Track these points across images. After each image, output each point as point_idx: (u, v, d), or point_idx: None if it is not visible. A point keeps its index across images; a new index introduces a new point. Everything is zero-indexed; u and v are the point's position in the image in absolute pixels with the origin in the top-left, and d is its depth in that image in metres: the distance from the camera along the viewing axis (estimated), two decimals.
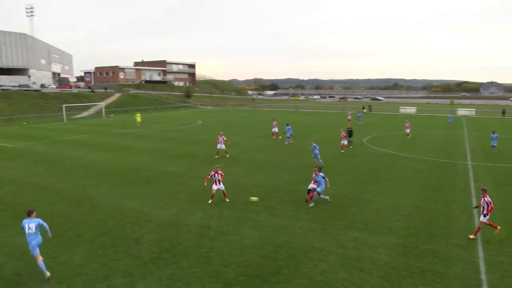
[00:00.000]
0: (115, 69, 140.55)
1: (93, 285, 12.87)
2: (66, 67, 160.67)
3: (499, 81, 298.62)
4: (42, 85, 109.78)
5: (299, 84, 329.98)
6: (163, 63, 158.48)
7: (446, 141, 42.83)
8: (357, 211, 19.44)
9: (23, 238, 16.51)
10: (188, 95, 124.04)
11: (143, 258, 14.56)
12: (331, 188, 22.77)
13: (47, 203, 21.45)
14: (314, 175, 20.26)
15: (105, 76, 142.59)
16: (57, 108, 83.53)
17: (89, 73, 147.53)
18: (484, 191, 16.22)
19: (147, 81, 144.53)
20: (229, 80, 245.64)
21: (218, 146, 33.41)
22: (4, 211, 20.38)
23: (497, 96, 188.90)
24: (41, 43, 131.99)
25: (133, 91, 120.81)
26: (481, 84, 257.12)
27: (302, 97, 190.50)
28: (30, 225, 13.23)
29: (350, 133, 38.67)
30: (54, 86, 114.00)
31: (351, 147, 36.62)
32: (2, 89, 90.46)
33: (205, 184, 21.71)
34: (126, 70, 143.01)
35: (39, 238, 13.28)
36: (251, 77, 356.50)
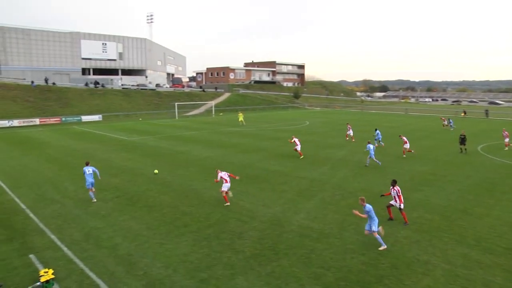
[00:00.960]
0: (226, 70, 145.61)
1: (196, 273, 13.46)
2: (180, 68, 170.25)
3: None
4: (157, 85, 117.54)
5: (409, 86, 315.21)
6: (272, 64, 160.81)
7: None
8: (467, 225, 17.85)
9: (137, 222, 17.84)
10: (296, 95, 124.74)
11: (245, 253, 14.90)
12: (438, 197, 21.43)
13: (157, 193, 22.93)
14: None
15: (216, 77, 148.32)
16: (170, 106, 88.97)
17: (201, 73, 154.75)
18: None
19: (256, 81, 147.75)
20: (337, 81, 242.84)
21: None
22: (121, 197, 22.17)
23: None
24: (158, 47, 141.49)
25: (242, 91, 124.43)
26: None
27: (412, 100, 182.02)
28: (88, 169, 21.72)
29: (462, 140, 36.33)
30: (168, 86, 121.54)
31: (464, 151, 35.52)
32: (123, 88, 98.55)
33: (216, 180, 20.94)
34: (236, 71, 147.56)
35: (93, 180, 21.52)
36: (360, 78, 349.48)
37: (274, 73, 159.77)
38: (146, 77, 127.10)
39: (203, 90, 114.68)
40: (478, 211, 19.62)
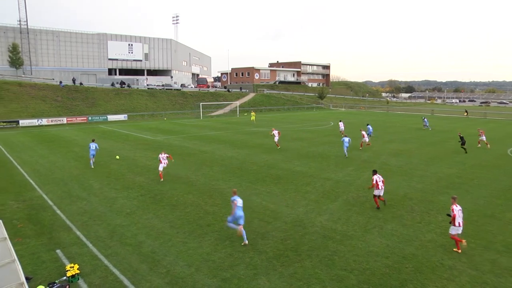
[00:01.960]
0: (251, 70, 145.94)
1: (218, 272, 13.54)
2: (205, 68, 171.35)
3: None
4: (182, 85, 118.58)
5: (436, 86, 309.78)
6: (297, 64, 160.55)
7: None
8: (496, 230, 17.36)
9: (161, 221, 18.06)
10: (321, 96, 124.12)
11: (268, 254, 14.91)
12: (465, 201, 21.05)
13: (181, 192, 23.15)
14: None
15: (241, 77, 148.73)
16: (194, 106, 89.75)
17: (226, 73, 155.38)
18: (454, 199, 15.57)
19: (281, 82, 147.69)
20: (363, 82, 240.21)
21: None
22: (145, 195, 22.47)
23: None
24: (183, 47, 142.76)
25: (267, 91, 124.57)
26: None
27: (439, 101, 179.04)
28: (92, 145, 30.79)
29: (462, 141, 37.50)
30: (193, 86, 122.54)
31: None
32: (148, 88, 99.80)
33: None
34: (261, 71, 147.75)
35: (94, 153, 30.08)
36: (385, 79, 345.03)
37: (299, 73, 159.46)
38: (172, 77, 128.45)
39: (228, 90, 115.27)
40: (508, 216, 19.13)
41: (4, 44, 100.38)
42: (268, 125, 62.15)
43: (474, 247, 15.66)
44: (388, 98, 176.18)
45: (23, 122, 64.74)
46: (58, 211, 19.87)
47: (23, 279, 9.27)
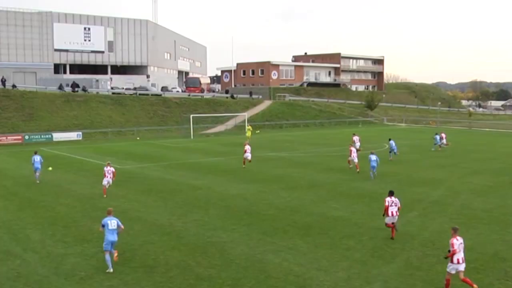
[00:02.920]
0: (266, 66, 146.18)
1: None
2: (198, 64, 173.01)
3: None
4: (164, 88, 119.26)
5: None
6: (335, 57, 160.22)
7: None
8: None
9: None
10: (371, 105, 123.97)
11: None
12: None
13: (161, 247, 23.26)
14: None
15: (251, 76, 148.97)
16: (182, 119, 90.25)
17: (228, 71, 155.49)
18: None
19: (311, 84, 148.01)
20: (433, 84, 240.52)
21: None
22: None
23: None
24: (166, 32, 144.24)
25: (290, 97, 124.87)
26: None
27: None
28: (36, 157, 39.59)
29: None
30: (179, 90, 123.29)
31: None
32: (113, 93, 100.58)
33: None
34: (281, 68, 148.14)
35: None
36: (466, 80, 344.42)
37: (337, 71, 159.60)
38: (148, 77, 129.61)
39: (232, 96, 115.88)
40: None
41: None
42: (291, 148, 62.33)
43: None
44: (470, 108, 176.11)
45: None
46: None
47: None
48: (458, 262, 17.78)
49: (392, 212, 24.26)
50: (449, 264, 17.91)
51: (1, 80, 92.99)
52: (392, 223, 24.21)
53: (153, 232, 25.72)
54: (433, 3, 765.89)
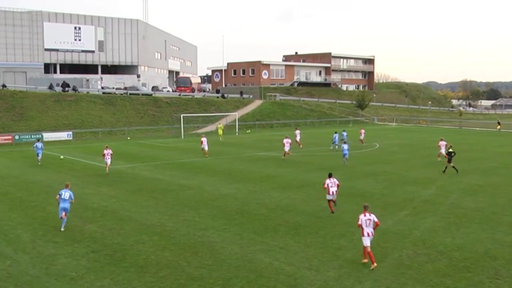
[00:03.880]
0: (256, 66, 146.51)
1: None
2: (188, 63, 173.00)
3: None
4: (155, 88, 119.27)
5: None
6: (326, 56, 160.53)
7: None
8: None
9: None
10: (361, 104, 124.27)
11: None
12: None
13: (152, 247, 23.26)
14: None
15: (242, 76, 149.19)
16: (173, 119, 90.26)
17: (219, 71, 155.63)
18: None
19: (302, 83, 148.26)
20: (424, 83, 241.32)
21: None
22: (99, 252, 22.60)
23: None
24: (156, 32, 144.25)
25: (281, 97, 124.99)
26: None
27: None
28: (39, 144, 48.74)
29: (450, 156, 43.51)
30: (170, 89, 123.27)
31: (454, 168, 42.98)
32: (104, 93, 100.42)
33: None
34: (271, 67, 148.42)
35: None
36: (457, 79, 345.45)
37: (328, 70, 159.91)
38: (138, 76, 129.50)
39: (223, 96, 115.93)
40: None
41: None
42: (282, 148, 62.33)
43: None
44: (461, 108, 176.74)
45: None
46: None
47: None
48: (368, 235, 20.75)
49: (332, 191, 28.64)
50: (362, 237, 20.94)
51: None
52: (332, 200, 29.23)
53: (144, 232, 25.71)
54: (424, 3, 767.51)
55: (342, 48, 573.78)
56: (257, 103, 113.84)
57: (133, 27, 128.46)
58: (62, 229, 25.89)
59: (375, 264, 20.07)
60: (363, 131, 70.50)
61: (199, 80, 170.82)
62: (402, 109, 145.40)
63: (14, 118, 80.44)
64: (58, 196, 26.54)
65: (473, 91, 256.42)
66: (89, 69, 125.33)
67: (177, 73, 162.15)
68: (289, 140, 54.21)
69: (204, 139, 55.95)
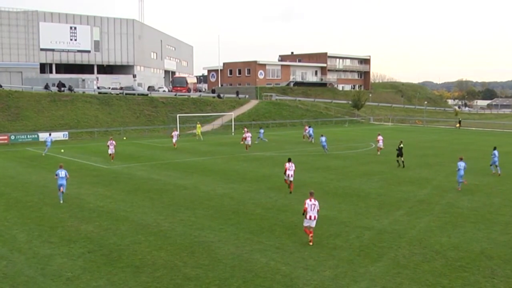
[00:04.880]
0: (252, 66, 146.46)
1: None
2: (184, 63, 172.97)
3: None
4: (150, 88, 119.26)
5: None
6: (322, 56, 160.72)
7: None
8: None
9: None
10: (357, 104, 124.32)
11: None
12: None
13: (148, 247, 23.26)
14: None
15: (238, 76, 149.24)
16: (168, 119, 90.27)
17: (215, 71, 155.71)
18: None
19: (298, 83, 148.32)
20: (420, 83, 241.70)
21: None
22: (95, 252, 22.58)
23: None
24: (152, 32, 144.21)
25: (277, 97, 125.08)
26: None
27: None
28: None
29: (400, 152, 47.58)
30: (166, 89, 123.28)
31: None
32: (99, 93, 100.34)
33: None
34: (267, 67, 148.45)
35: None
36: (453, 79, 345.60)
37: (324, 70, 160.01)
38: (134, 76, 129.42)
39: (219, 96, 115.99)
40: None
41: None
42: (278, 148, 62.39)
43: None
44: (457, 108, 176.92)
45: None
46: None
47: None
48: (310, 219, 23.28)
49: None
50: (304, 220, 23.50)
51: None
52: (289, 179, 34.67)
53: (140, 232, 25.70)
54: (420, 3, 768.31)
55: (338, 48, 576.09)
56: (253, 103, 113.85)
57: (129, 27, 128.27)
58: (61, 202, 31.82)
59: (312, 244, 23.17)
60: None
61: (195, 80, 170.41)
62: (398, 109, 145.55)
63: (10, 118, 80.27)
64: (56, 176, 32.19)
65: (469, 91, 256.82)
66: (85, 69, 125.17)
67: (173, 73, 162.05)
68: (250, 134, 62.56)
69: (175, 133, 66.43)
